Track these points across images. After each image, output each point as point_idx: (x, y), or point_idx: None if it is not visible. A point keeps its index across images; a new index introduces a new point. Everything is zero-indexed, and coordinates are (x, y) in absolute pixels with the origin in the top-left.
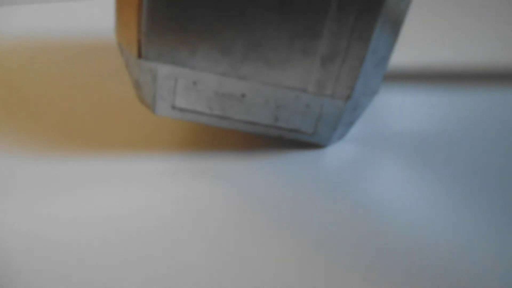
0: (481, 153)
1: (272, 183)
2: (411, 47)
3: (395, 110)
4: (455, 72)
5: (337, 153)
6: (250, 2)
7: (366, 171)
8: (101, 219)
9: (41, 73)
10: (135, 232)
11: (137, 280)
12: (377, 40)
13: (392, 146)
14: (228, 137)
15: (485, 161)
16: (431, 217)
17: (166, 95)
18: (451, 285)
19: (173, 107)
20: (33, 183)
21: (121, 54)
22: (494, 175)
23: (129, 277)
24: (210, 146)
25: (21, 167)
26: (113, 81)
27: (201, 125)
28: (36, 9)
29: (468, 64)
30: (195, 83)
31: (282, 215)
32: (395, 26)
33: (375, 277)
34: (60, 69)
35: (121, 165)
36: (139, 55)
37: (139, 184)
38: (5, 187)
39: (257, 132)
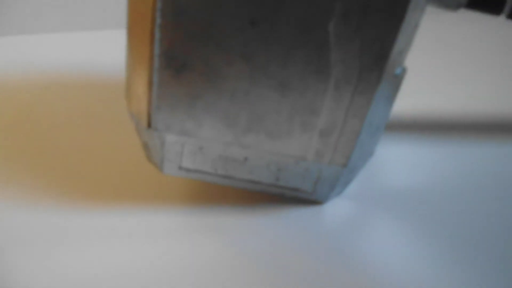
0: (481, 211)
1: (272, 240)
2: (409, 96)
3: (393, 163)
4: (455, 123)
5: (334, 209)
6: (252, 83)
7: (362, 228)
8: (105, 275)
9: (46, 114)
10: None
11: None
12: (372, 115)
13: (388, 202)
14: (231, 193)
15: (484, 220)
16: (427, 277)
17: (173, 158)
18: None
19: (180, 168)
20: (34, 237)
21: (130, 118)
22: (493, 235)
23: None
24: (213, 202)
25: (23, 219)
26: (122, 127)
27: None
28: (41, 40)
29: (468, 114)
30: (200, 148)
31: (279, 272)
32: (390, 99)
33: None
34: (68, 109)
35: (123, 219)
36: (149, 125)
37: (142, 239)
38: (5, 239)
39: (259, 190)
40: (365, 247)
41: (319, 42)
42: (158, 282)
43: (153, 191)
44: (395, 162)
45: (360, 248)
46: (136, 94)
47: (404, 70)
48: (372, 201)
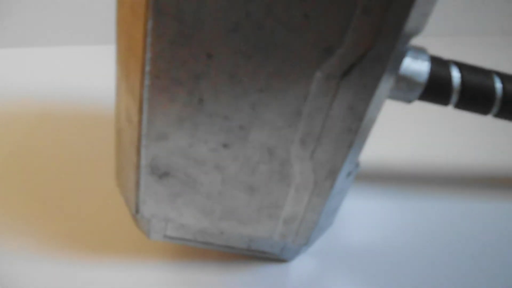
0: (445, 269)
1: None
2: (377, 147)
3: (358, 217)
4: (421, 177)
5: (299, 267)
6: (225, 187)
7: (326, 286)
8: None
9: (33, 155)
10: None
11: None
12: (328, 206)
13: (352, 259)
14: (209, 252)
15: (449, 279)
16: None
17: (158, 230)
18: None
19: (165, 236)
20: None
21: (120, 192)
22: None
23: None
24: (192, 259)
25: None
26: (110, 177)
27: None
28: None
29: (434, 169)
30: (182, 225)
31: None
32: (345, 189)
33: None
34: (60, 146)
35: (107, 273)
36: (137, 212)
37: None
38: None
39: (233, 252)
40: None
41: (282, 160)
42: None
43: (139, 246)
44: (360, 217)
45: None
46: (126, 186)
47: (358, 166)
48: (336, 258)
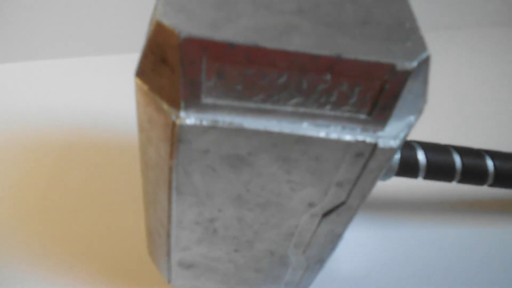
0: None
1: None
2: None
3: (348, 247)
4: (406, 203)
5: None
6: (237, 273)
7: None
8: None
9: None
10: None
11: None
12: (320, 270)
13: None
14: None
15: None
16: None
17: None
18: None
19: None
20: None
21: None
22: None
23: None
24: None
25: None
26: (125, 205)
27: None
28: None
29: (418, 196)
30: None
31: None
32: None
33: None
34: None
35: None
36: (169, 282)
37: None
38: None
39: None
40: None
41: (280, 256)
42: None
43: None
44: (350, 246)
45: None
46: (158, 264)
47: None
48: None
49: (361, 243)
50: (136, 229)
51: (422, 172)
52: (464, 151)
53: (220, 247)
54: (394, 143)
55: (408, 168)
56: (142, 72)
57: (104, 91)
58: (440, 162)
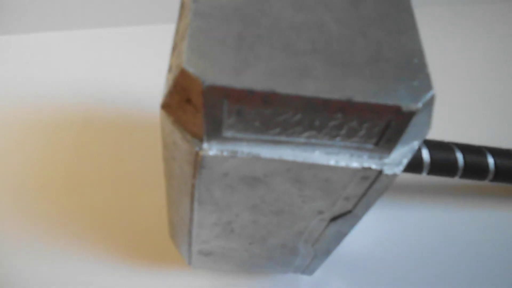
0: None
1: None
2: None
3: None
4: (404, 185)
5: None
6: (251, 257)
7: None
8: None
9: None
10: None
11: None
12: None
13: (345, 267)
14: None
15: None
16: None
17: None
18: None
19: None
20: None
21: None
22: None
23: None
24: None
25: None
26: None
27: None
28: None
29: (416, 177)
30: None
31: None
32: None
33: None
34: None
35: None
36: (189, 263)
37: None
38: None
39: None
40: None
41: (291, 248)
42: None
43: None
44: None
45: None
46: (179, 247)
47: None
48: (332, 264)
49: (368, 225)
50: (159, 207)
51: (426, 169)
52: (466, 149)
53: (236, 242)
54: (398, 169)
55: (412, 165)
56: (167, 106)
57: (127, 64)
58: (443, 160)
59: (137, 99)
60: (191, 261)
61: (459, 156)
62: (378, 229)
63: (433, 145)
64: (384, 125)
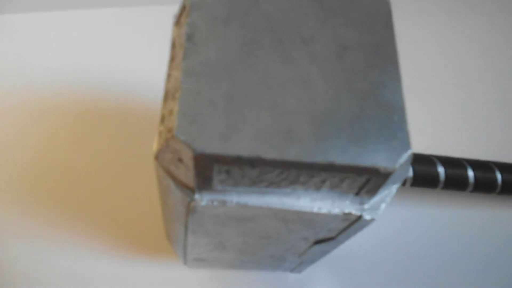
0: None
1: None
2: None
3: None
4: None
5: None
6: (242, 262)
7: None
8: None
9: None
10: None
11: None
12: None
13: (333, 264)
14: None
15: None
16: None
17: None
18: None
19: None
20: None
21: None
22: None
23: None
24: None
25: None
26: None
27: None
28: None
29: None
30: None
31: None
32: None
33: None
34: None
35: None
36: (184, 264)
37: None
38: None
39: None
40: None
41: (279, 258)
42: None
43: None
44: None
45: None
46: (175, 250)
47: None
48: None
49: None
50: (157, 201)
51: (408, 182)
52: (446, 162)
53: (228, 254)
54: (376, 214)
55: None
56: (160, 159)
57: (127, 48)
58: (426, 173)
59: (134, 86)
60: (186, 263)
61: (441, 170)
62: (368, 227)
63: (415, 159)
64: (364, 180)
